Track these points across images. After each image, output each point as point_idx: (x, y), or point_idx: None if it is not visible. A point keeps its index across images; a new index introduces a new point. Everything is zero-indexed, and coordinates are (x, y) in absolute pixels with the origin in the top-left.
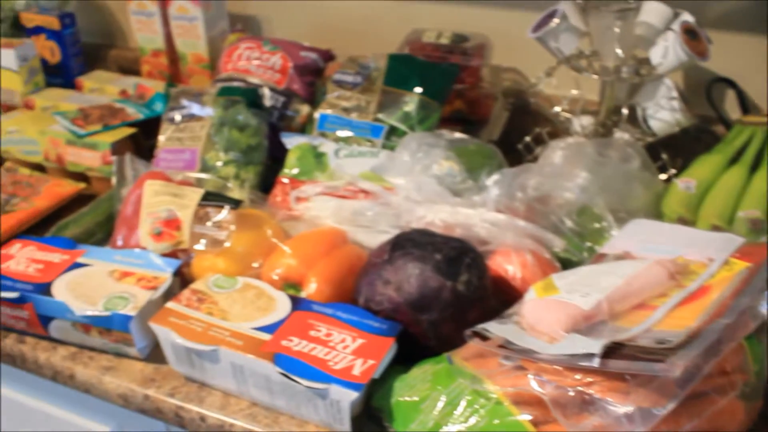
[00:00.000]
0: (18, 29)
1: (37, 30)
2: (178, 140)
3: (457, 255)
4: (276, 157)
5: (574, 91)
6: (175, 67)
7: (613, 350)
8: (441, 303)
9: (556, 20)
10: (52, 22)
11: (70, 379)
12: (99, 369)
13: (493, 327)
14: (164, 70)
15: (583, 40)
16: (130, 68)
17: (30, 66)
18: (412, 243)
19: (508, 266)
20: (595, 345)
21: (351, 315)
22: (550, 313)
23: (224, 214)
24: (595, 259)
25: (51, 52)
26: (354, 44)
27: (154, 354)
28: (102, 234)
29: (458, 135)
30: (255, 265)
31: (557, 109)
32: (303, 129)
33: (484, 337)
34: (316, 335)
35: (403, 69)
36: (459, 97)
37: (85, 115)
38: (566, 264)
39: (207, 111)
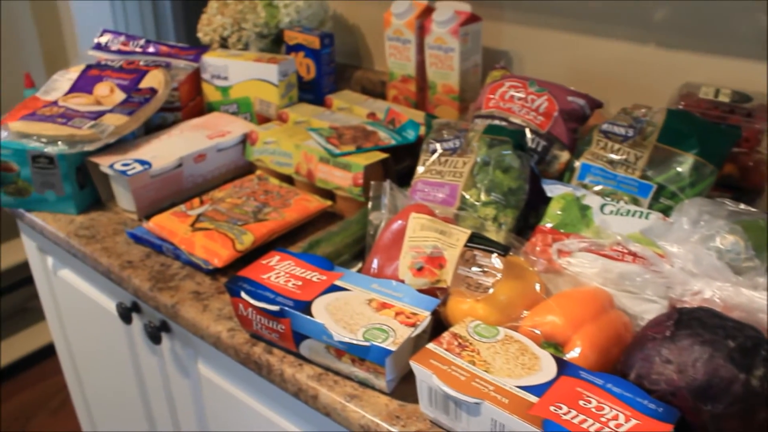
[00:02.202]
0: (277, 45)
1: (297, 47)
2: (438, 173)
3: (753, 345)
4: (529, 201)
5: None
6: (422, 95)
7: None
8: (729, 396)
9: None
10: (313, 41)
11: (312, 399)
12: (343, 395)
13: None
14: (411, 96)
15: None
16: (373, 90)
17: (288, 81)
18: (699, 323)
19: None
20: None
21: (623, 390)
22: None
23: (493, 259)
24: None
25: (307, 69)
26: (611, 90)
27: (399, 390)
28: (348, 255)
29: (744, 207)
30: (521, 316)
31: None
32: (560, 177)
33: None
34: (586, 406)
35: (682, 126)
36: (731, 162)
37: (339, 134)
38: None
39: (471, 147)
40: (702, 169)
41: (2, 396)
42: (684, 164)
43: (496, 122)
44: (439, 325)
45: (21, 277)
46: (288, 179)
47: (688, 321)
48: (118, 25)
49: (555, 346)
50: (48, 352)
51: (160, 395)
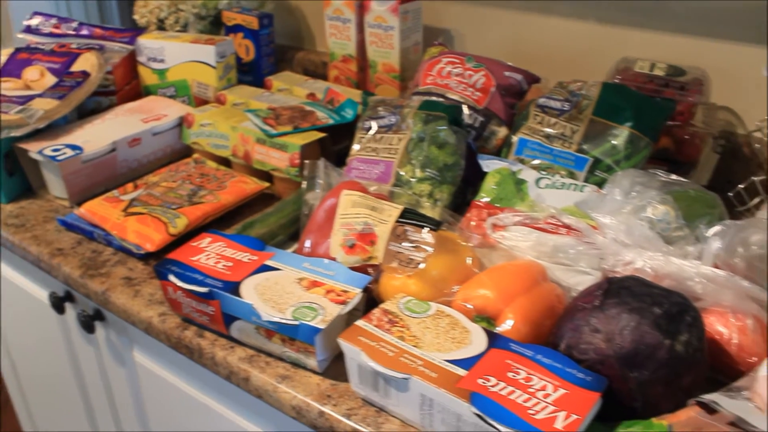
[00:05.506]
0: (216, 26)
1: (236, 28)
2: (373, 150)
3: (679, 311)
4: (467, 177)
5: None
6: (363, 75)
7: None
8: (655, 362)
9: None
10: (252, 22)
11: (244, 382)
12: (275, 376)
13: (723, 401)
14: (352, 76)
15: None
16: (315, 71)
17: (226, 62)
18: (627, 292)
19: (722, 329)
20: None
21: (552, 360)
22: None
23: (424, 234)
24: None
25: (246, 50)
26: (552, 67)
27: (331, 369)
28: (284, 236)
29: (675, 177)
30: (453, 291)
31: None
32: (498, 152)
33: (708, 409)
34: (515, 378)
35: (616, 100)
36: (666, 135)
37: (276, 115)
38: None
39: (406, 124)
40: (637, 142)
41: None
42: (619, 137)
43: (433, 99)
44: (373, 303)
45: None
46: (226, 162)
47: (617, 290)
48: (60, 10)
49: (487, 319)
50: None
51: (97, 386)
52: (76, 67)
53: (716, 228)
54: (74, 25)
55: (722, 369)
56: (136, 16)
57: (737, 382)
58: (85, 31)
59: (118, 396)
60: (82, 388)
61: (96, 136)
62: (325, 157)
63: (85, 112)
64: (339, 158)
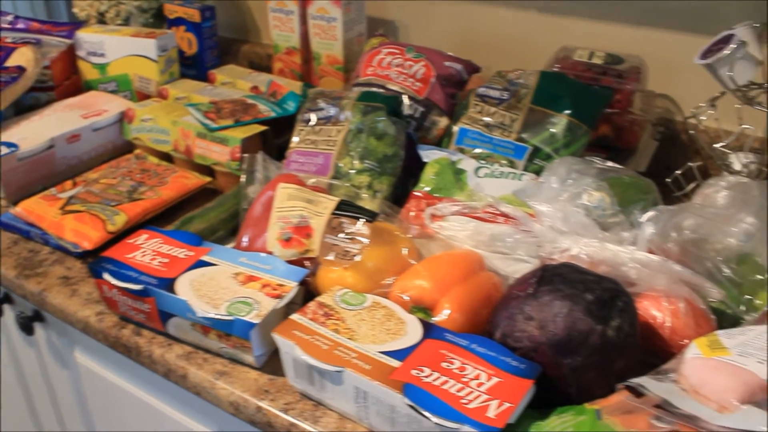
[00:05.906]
0: (159, 19)
1: (178, 21)
2: (312, 143)
3: (610, 297)
4: (408, 168)
5: (746, 126)
6: (307, 67)
7: None
8: (587, 348)
9: (732, 46)
10: (193, 15)
11: (182, 379)
12: (213, 373)
13: (649, 384)
14: (296, 69)
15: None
16: (261, 64)
17: (168, 56)
18: (561, 279)
19: (656, 312)
20: None
21: (487, 349)
22: (721, 378)
23: (359, 226)
24: (762, 318)
25: (188, 43)
26: (495, 57)
27: (270, 363)
28: (225, 231)
29: (611, 164)
30: (387, 282)
31: (722, 143)
32: (439, 142)
33: (637, 393)
34: (449, 368)
35: (554, 88)
36: (606, 123)
37: (218, 108)
38: (720, 316)
39: (345, 115)
40: (575, 130)
41: None
42: (558, 125)
43: (374, 89)
44: (311, 296)
45: None
46: (167, 157)
47: (551, 277)
48: (4, 8)
49: (424, 310)
50: None
51: (40, 387)
52: (11, 61)
53: (650, 213)
54: (9, 18)
55: (657, 352)
56: (75, 10)
57: (666, 364)
58: (21, 25)
59: (62, 397)
60: (25, 390)
61: (33, 132)
62: (267, 151)
63: (23, 108)
64: (281, 151)
